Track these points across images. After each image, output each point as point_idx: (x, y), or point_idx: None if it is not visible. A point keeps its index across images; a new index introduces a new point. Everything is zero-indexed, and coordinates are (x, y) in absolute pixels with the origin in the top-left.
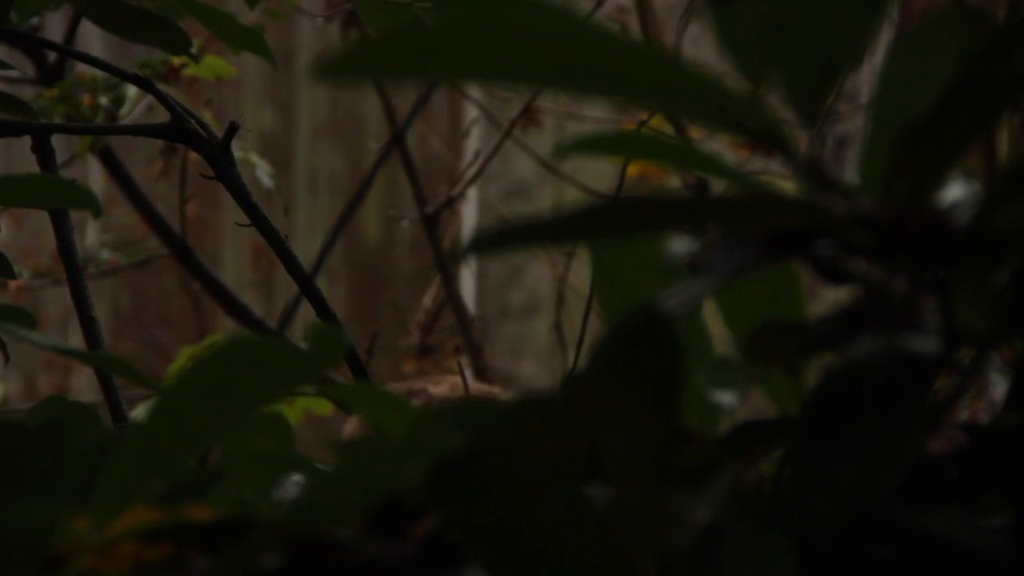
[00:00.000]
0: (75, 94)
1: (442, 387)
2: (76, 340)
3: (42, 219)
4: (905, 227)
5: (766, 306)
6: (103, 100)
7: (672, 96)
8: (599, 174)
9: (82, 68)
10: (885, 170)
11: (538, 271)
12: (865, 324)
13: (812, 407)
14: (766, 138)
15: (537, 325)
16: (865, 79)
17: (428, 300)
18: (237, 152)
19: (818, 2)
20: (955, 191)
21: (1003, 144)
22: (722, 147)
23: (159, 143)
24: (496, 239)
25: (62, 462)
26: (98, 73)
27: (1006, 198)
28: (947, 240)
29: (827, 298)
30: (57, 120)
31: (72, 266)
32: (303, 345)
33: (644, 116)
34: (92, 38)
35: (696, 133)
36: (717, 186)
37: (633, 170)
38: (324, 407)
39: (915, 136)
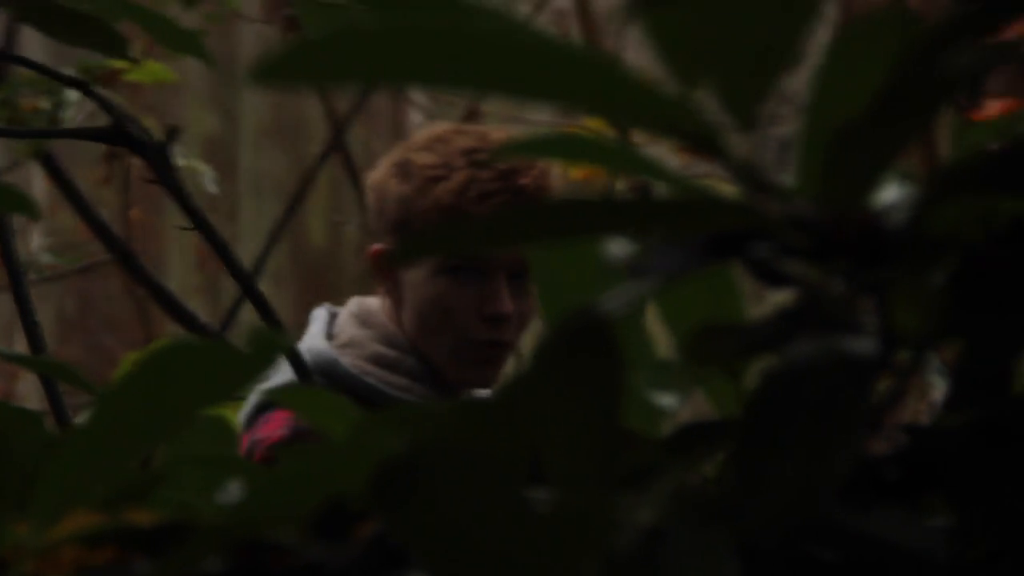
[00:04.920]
0: (15, 98)
1: None
2: (20, 346)
3: None
4: (841, 229)
5: (705, 308)
6: (45, 104)
7: (609, 100)
8: None
9: (23, 70)
10: (820, 172)
11: None
12: (803, 326)
13: (752, 409)
14: (702, 142)
15: None
16: (807, 82)
17: None
18: (181, 160)
19: (750, 4)
20: (891, 192)
21: (944, 144)
22: (665, 151)
23: (102, 148)
24: (426, 245)
25: (2, 467)
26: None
27: (941, 199)
28: (883, 241)
29: (773, 301)
30: None
31: (14, 271)
32: (244, 349)
33: (587, 120)
34: (32, 42)
35: (639, 136)
36: (660, 189)
37: (579, 174)
38: None
39: (850, 137)
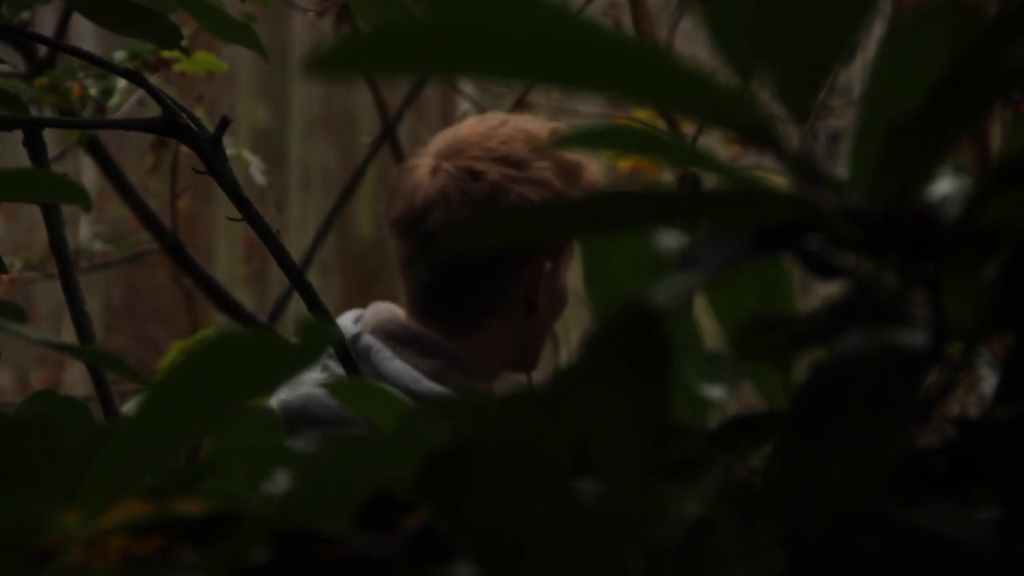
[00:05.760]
0: (64, 83)
1: None
2: (68, 335)
3: (35, 214)
4: (894, 221)
5: (756, 300)
6: (92, 91)
7: (664, 91)
8: None
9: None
10: (874, 165)
11: None
12: (854, 318)
13: (801, 401)
14: (756, 133)
15: None
16: (858, 74)
17: None
18: (229, 149)
19: None
20: (945, 185)
21: (996, 138)
22: (715, 142)
23: (150, 138)
24: (480, 233)
25: (51, 456)
26: None
27: (995, 192)
28: (936, 234)
29: (820, 293)
30: (47, 110)
31: (64, 260)
32: (293, 339)
33: (637, 111)
34: (84, 31)
35: (689, 128)
36: (709, 181)
37: (626, 165)
38: None
39: (904, 130)
